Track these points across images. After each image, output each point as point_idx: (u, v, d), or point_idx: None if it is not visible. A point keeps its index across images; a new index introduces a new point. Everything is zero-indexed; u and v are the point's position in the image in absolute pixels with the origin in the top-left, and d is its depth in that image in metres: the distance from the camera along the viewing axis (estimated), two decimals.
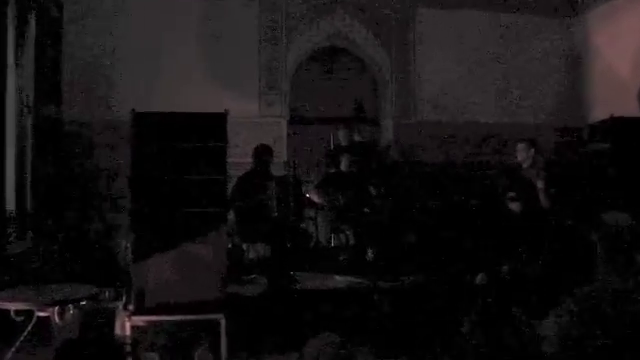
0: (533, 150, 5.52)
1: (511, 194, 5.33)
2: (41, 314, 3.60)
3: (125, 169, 4.40)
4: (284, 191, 5.73)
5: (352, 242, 6.06)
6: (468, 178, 7.24)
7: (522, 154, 5.54)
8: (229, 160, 4.49)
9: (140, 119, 4.36)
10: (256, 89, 7.47)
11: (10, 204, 5.42)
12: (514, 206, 5.33)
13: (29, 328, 3.60)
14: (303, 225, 6.44)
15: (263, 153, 5.87)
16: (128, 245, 4.37)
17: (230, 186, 5.29)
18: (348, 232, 6.09)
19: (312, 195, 6.34)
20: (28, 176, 5.89)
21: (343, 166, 6.35)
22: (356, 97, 8.00)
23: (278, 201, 5.67)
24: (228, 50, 7.36)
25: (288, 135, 7.59)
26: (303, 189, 6.31)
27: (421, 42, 7.79)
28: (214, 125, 4.39)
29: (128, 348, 3.85)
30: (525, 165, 5.56)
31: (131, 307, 4.09)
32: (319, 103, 7.87)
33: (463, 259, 5.06)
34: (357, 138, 6.96)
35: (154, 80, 6.98)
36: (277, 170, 6.47)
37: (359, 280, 5.30)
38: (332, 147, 7.19)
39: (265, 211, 5.64)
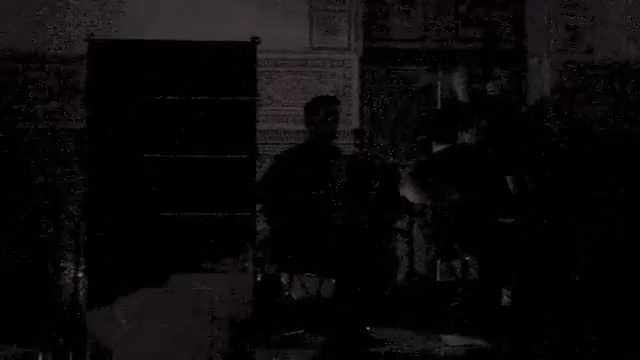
0: None
1: None
2: None
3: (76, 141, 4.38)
4: (358, 183, 5.81)
5: (474, 275, 6.06)
6: None
7: None
8: (260, 127, 4.57)
9: (103, 52, 4.48)
10: (304, 3, 7.50)
11: None
12: None
13: None
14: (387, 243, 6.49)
15: (322, 111, 5.94)
16: (80, 275, 4.37)
17: (261, 172, 5.45)
18: (468, 257, 6.08)
19: (404, 190, 6.32)
20: None
21: (462, 139, 6.34)
22: (484, 18, 7.92)
23: (346, 200, 5.78)
24: None
25: (362, 83, 7.57)
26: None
27: None
28: (234, 65, 4.52)
29: None
30: None
31: None
32: (416, 28, 7.85)
33: None
34: (487, 88, 6.94)
35: None
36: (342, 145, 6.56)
37: (486, 344, 5.38)
38: (441, 105, 7.20)
39: (322, 217, 5.70)
